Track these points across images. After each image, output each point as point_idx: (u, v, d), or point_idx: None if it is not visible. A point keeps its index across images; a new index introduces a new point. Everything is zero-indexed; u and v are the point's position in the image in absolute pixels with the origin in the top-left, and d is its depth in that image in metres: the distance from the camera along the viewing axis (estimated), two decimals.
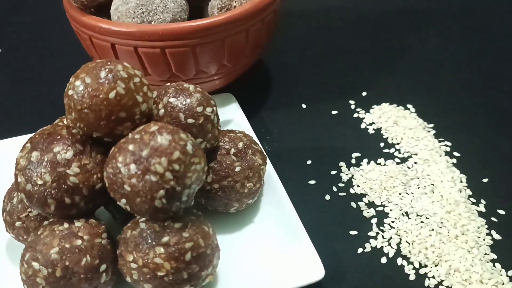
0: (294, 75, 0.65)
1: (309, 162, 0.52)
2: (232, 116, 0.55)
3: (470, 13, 0.78)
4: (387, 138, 0.55)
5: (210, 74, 0.53)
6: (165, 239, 0.35)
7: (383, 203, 0.47)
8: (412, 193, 0.48)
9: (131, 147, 0.34)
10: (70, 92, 0.36)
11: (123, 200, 0.35)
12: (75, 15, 0.52)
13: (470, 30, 0.73)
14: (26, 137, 0.51)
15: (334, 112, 0.58)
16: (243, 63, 0.55)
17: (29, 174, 0.36)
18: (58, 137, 0.37)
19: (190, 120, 0.40)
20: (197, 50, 0.50)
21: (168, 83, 0.43)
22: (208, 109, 0.41)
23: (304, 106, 0.59)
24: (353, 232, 0.45)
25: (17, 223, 0.40)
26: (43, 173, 0.35)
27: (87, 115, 0.35)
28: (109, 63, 0.36)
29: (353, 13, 0.79)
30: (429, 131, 0.55)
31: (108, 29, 0.49)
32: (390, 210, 0.46)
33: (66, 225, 0.36)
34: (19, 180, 0.36)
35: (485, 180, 0.49)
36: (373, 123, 0.57)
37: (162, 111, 0.39)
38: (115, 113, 0.35)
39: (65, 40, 0.72)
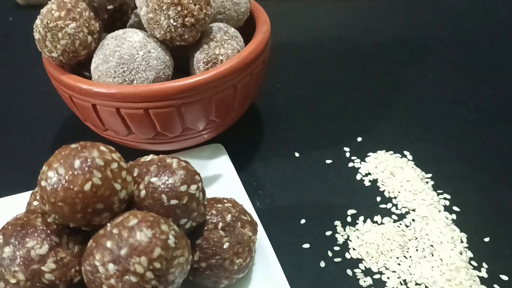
0: (286, 118, 0.62)
1: (303, 221, 0.50)
2: (222, 170, 0.53)
3: (468, 43, 0.75)
4: (383, 191, 0.52)
5: (198, 130, 0.51)
6: None
7: (380, 270, 0.45)
8: (410, 257, 0.46)
9: (109, 244, 0.32)
10: (43, 184, 0.33)
11: None
12: (54, 74, 0.49)
13: (468, 62, 0.71)
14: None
15: (328, 161, 0.56)
16: (232, 116, 0.53)
17: (1, 273, 0.33)
18: (32, 229, 0.35)
19: (173, 201, 0.37)
20: (182, 110, 0.47)
21: (151, 156, 0.40)
22: (193, 187, 0.38)
23: (297, 154, 0.57)
24: None
25: None
26: (16, 271, 0.33)
27: (62, 208, 0.33)
28: (84, 150, 0.34)
29: (345, 44, 0.76)
30: (427, 182, 0.53)
31: (88, 90, 0.47)
32: (388, 278, 0.44)
33: None
34: None
35: (487, 239, 0.47)
36: (369, 173, 0.54)
37: (143, 192, 0.37)
38: (91, 205, 0.33)
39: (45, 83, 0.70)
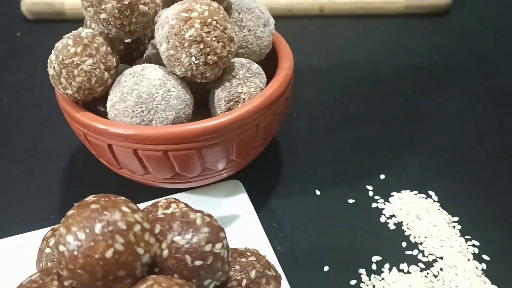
0: (305, 151, 0.60)
1: (326, 268, 0.47)
2: (240, 209, 0.51)
3: (490, 69, 0.73)
4: (409, 235, 0.50)
5: (217, 170, 0.49)
6: None
7: None
8: None
9: None
10: (61, 248, 0.31)
11: None
12: (68, 110, 0.47)
13: (490, 90, 0.69)
14: (17, 238, 0.48)
15: (350, 200, 0.54)
16: (253, 154, 0.51)
17: None
18: None
19: (197, 262, 0.35)
20: (203, 152, 0.45)
21: (172, 209, 0.38)
22: (218, 246, 0.36)
23: (318, 192, 0.55)
24: None
25: None
26: None
27: (81, 275, 0.31)
28: (105, 212, 0.32)
29: (363, 69, 0.74)
30: (454, 227, 0.51)
31: (104, 130, 0.45)
32: None
33: None
34: None
35: None
36: (394, 215, 0.52)
37: (166, 252, 0.35)
38: (112, 272, 0.31)
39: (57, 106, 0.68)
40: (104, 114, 0.47)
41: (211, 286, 0.36)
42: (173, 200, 0.44)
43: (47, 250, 0.42)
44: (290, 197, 0.54)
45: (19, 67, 0.78)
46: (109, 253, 0.31)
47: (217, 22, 0.44)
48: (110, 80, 0.46)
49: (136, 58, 0.53)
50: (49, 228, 0.47)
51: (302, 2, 0.85)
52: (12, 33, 0.86)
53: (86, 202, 0.33)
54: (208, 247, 0.35)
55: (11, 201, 0.56)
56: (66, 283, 0.33)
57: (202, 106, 0.51)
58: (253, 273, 0.39)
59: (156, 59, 0.51)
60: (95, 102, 0.49)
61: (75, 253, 0.31)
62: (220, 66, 0.45)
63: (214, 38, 0.44)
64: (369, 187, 0.55)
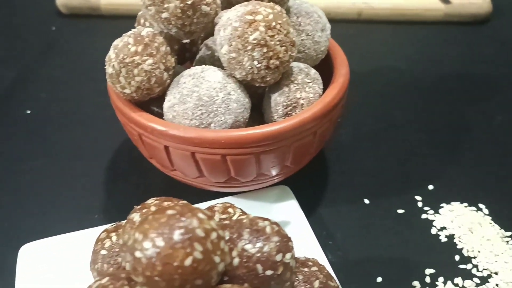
0: (350, 159, 0.59)
1: (379, 279, 0.47)
2: (290, 215, 0.50)
3: None
4: (462, 249, 0.49)
5: (271, 176, 0.48)
6: None
7: None
8: None
9: None
10: (138, 254, 0.30)
11: None
12: (124, 110, 0.46)
13: None
14: (66, 237, 0.47)
15: (400, 211, 0.53)
16: (305, 161, 0.50)
17: None
18: None
19: (268, 272, 0.34)
20: (261, 157, 0.44)
21: (238, 215, 0.37)
22: (288, 256, 0.35)
23: (366, 201, 0.54)
24: None
25: None
26: None
27: (157, 283, 0.30)
28: (183, 218, 0.31)
29: (404, 76, 0.73)
30: (507, 242, 0.50)
31: (162, 132, 0.44)
32: None
33: None
34: None
35: None
36: (445, 228, 0.51)
37: (236, 260, 0.34)
38: (190, 281, 0.30)
39: (100, 99, 0.67)
40: (158, 115, 0.47)
41: None
42: (228, 204, 0.44)
43: (103, 251, 0.41)
44: (338, 205, 0.54)
45: (55, 63, 0.77)
46: (188, 261, 0.30)
47: (281, 26, 0.43)
48: (168, 80, 0.45)
49: (187, 58, 0.53)
50: (97, 228, 0.47)
51: (340, 6, 0.84)
52: (47, 27, 0.86)
53: (163, 207, 0.33)
54: (278, 257, 0.35)
55: (55, 200, 0.55)
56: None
57: (253, 110, 0.50)
58: (316, 284, 0.38)
59: (211, 61, 0.50)
60: (149, 103, 0.48)
61: (153, 260, 0.30)
62: (280, 70, 0.45)
63: (277, 42, 0.43)
64: (418, 198, 0.55)
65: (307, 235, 0.48)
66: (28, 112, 0.67)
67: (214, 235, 0.32)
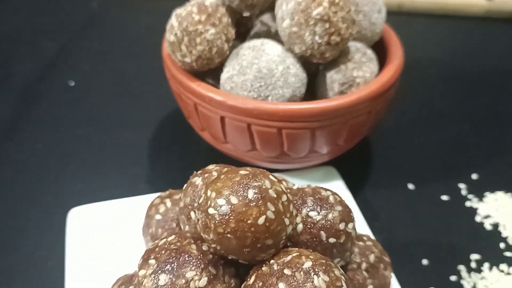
0: (394, 145, 0.60)
1: (425, 262, 0.47)
2: None
3: None
4: (506, 237, 0.49)
5: (322, 153, 0.48)
6: None
7: None
8: None
9: (281, 286, 0.30)
10: (211, 211, 0.31)
11: None
12: (179, 77, 0.47)
13: None
14: (114, 203, 0.47)
15: (444, 197, 0.53)
16: (356, 141, 0.50)
17: None
18: (187, 257, 0.32)
19: (331, 240, 0.34)
20: (316, 133, 0.45)
21: (297, 186, 0.37)
22: (350, 225, 0.36)
23: (410, 187, 0.54)
24: None
25: None
26: None
27: (229, 240, 0.30)
28: (256, 179, 0.31)
29: (446, 68, 0.73)
30: None
31: (220, 102, 0.44)
32: None
33: None
34: None
35: None
36: (489, 216, 0.51)
37: (300, 226, 0.34)
38: (261, 240, 0.31)
39: (142, 73, 0.67)
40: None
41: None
42: (280, 178, 0.44)
43: (158, 216, 0.41)
44: (383, 189, 0.54)
45: (96, 37, 0.78)
46: (261, 220, 0.30)
47: (343, 3, 0.43)
48: (228, 52, 0.46)
49: (242, 33, 0.53)
50: (145, 196, 0.47)
51: None
52: (90, 2, 0.86)
53: (234, 168, 0.33)
54: (342, 226, 0.35)
55: (100, 167, 0.56)
56: (204, 247, 0.33)
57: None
58: (372, 258, 0.39)
59: (266, 37, 0.50)
60: (204, 75, 0.48)
61: (227, 217, 0.30)
62: (340, 47, 0.45)
63: (340, 19, 0.43)
64: (461, 186, 0.55)
65: (355, 214, 0.48)
66: (72, 84, 0.68)
67: (284, 197, 0.32)
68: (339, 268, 0.32)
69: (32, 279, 0.44)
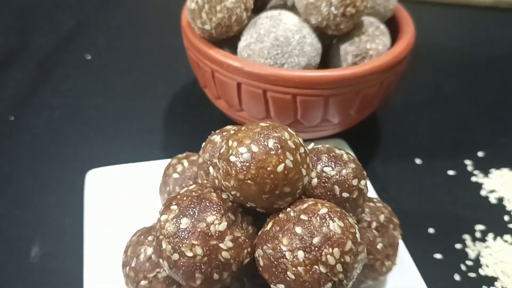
0: (402, 122, 0.61)
1: (431, 230, 0.48)
2: None
3: None
4: (511, 211, 0.51)
5: (333, 123, 0.50)
6: None
7: None
8: None
9: (298, 230, 0.31)
10: (232, 159, 0.32)
11: (281, 286, 0.32)
12: (198, 45, 0.48)
13: None
14: (130, 166, 0.49)
15: (450, 172, 0.54)
16: (367, 112, 0.52)
17: (177, 244, 0.32)
18: (208, 204, 0.33)
19: (344, 194, 0.36)
20: (329, 101, 0.46)
21: (313, 145, 0.39)
22: (362, 182, 0.37)
23: (417, 161, 0.55)
24: None
25: (143, 282, 0.37)
26: (194, 245, 0.32)
27: (249, 186, 0.32)
28: (276, 130, 0.33)
29: (454, 54, 0.74)
30: None
31: (238, 68, 0.46)
32: None
33: None
34: (163, 246, 0.33)
35: None
36: (494, 191, 0.53)
37: (315, 180, 0.36)
38: (280, 187, 0.32)
39: (157, 48, 0.69)
40: None
41: None
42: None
43: (175, 175, 0.43)
44: (391, 162, 0.55)
45: (112, 13, 0.79)
46: (280, 168, 0.32)
47: None
48: (246, 21, 0.47)
49: (259, 6, 0.54)
50: (161, 161, 0.49)
51: None
52: None
53: (255, 122, 0.34)
54: (355, 182, 0.36)
55: (115, 134, 0.57)
56: (223, 196, 0.34)
57: None
58: (382, 217, 0.40)
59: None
60: (222, 44, 0.50)
61: (247, 164, 0.32)
62: (354, 19, 0.46)
63: None
64: (468, 162, 0.56)
65: None
66: (89, 57, 0.69)
67: (302, 149, 0.34)
68: (354, 219, 0.33)
69: (51, 234, 0.46)
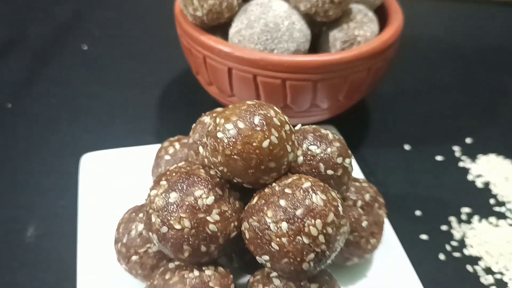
0: (392, 110, 0.62)
1: (418, 213, 0.49)
2: None
3: None
4: (496, 195, 0.52)
5: (322, 108, 0.51)
6: None
7: (500, 270, 0.45)
8: None
9: (282, 202, 0.32)
10: (219, 135, 0.33)
11: (265, 257, 0.33)
12: (190, 32, 0.49)
13: None
14: (124, 150, 0.50)
15: (438, 158, 0.56)
16: (356, 98, 0.53)
17: (166, 217, 0.33)
18: (197, 179, 0.35)
19: (329, 172, 0.37)
20: (318, 85, 0.47)
21: (300, 125, 0.40)
22: (347, 161, 0.38)
23: (406, 147, 0.57)
24: None
25: (134, 257, 0.38)
26: (182, 218, 0.33)
27: (236, 161, 0.33)
28: (262, 108, 0.34)
29: (447, 45, 0.76)
30: None
31: (228, 53, 0.47)
32: (510, 279, 0.44)
33: (196, 272, 0.34)
34: (153, 220, 0.34)
35: None
36: (481, 175, 0.54)
37: (301, 158, 0.37)
38: (265, 162, 0.33)
39: (152, 38, 0.70)
40: None
41: None
42: None
43: (167, 157, 0.44)
44: (380, 148, 0.56)
45: (108, 4, 0.81)
46: (265, 143, 0.33)
47: None
48: (237, 8, 0.48)
49: None
50: (154, 145, 0.50)
51: None
52: None
53: (241, 101, 0.35)
54: (339, 160, 0.38)
55: (110, 120, 0.58)
56: (212, 172, 0.35)
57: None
58: (367, 197, 0.41)
59: None
60: (213, 30, 0.51)
61: (234, 140, 0.33)
62: (342, 6, 0.48)
63: None
64: (456, 148, 0.57)
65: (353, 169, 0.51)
66: (85, 48, 0.70)
67: (287, 127, 0.35)
68: (337, 194, 0.34)
69: (46, 215, 0.47)
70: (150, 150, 0.49)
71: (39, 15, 0.76)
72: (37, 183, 0.50)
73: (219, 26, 0.50)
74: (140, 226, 0.38)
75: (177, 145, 0.44)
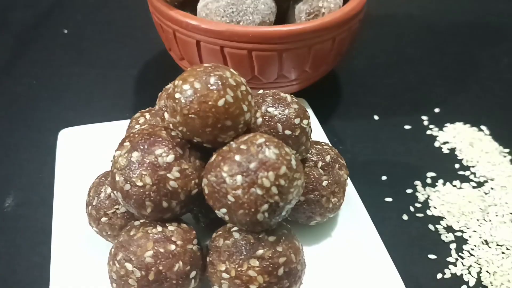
0: (363, 84, 0.64)
1: (384, 177, 0.51)
2: None
3: None
4: (461, 160, 0.54)
5: (290, 79, 0.52)
6: (260, 252, 0.35)
7: (461, 228, 0.46)
8: (490, 221, 0.47)
9: (237, 157, 0.34)
10: (177, 96, 0.35)
11: (223, 210, 0.34)
12: (160, 8, 0.51)
13: None
14: (100, 125, 0.52)
15: (406, 127, 0.57)
16: (323, 70, 0.54)
17: (128, 175, 0.35)
18: (158, 139, 0.36)
19: (287, 132, 0.39)
20: (283, 55, 0.49)
21: (262, 90, 0.42)
22: (305, 122, 0.40)
23: (376, 117, 0.58)
24: (432, 256, 0.44)
25: (103, 219, 0.40)
26: (143, 175, 0.35)
27: (193, 120, 0.35)
28: (218, 69, 0.36)
29: (421, 22, 0.77)
30: (505, 156, 0.54)
31: (196, 26, 0.48)
32: (469, 236, 0.46)
33: (159, 228, 0.36)
34: (117, 179, 0.36)
35: None
36: (447, 142, 0.56)
37: (259, 120, 0.39)
38: (221, 121, 0.35)
39: (131, 22, 0.72)
40: None
41: None
42: None
43: (137, 126, 0.45)
44: (350, 119, 0.58)
45: None
46: (221, 102, 0.34)
47: None
48: None
49: None
50: (128, 120, 0.51)
51: None
52: None
53: (200, 64, 0.37)
54: (297, 120, 0.39)
55: (89, 99, 0.60)
56: (173, 133, 0.37)
57: (277, 22, 0.54)
58: (327, 158, 0.43)
59: None
60: (183, 7, 0.52)
61: (190, 99, 0.34)
62: None
63: None
64: (424, 117, 0.59)
65: (320, 137, 0.53)
66: (66, 31, 0.72)
67: (243, 87, 0.36)
68: (291, 150, 0.36)
69: (24, 186, 0.49)
70: (125, 125, 0.50)
71: (21, 1, 0.77)
72: (17, 156, 0.52)
73: (189, 2, 0.52)
74: (109, 189, 0.40)
75: (147, 115, 0.46)
